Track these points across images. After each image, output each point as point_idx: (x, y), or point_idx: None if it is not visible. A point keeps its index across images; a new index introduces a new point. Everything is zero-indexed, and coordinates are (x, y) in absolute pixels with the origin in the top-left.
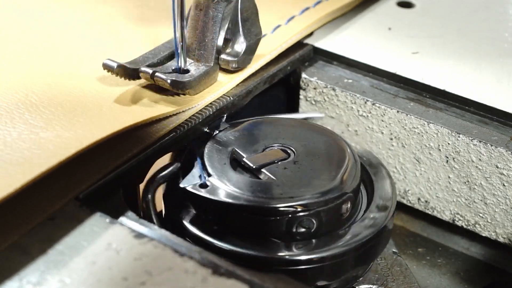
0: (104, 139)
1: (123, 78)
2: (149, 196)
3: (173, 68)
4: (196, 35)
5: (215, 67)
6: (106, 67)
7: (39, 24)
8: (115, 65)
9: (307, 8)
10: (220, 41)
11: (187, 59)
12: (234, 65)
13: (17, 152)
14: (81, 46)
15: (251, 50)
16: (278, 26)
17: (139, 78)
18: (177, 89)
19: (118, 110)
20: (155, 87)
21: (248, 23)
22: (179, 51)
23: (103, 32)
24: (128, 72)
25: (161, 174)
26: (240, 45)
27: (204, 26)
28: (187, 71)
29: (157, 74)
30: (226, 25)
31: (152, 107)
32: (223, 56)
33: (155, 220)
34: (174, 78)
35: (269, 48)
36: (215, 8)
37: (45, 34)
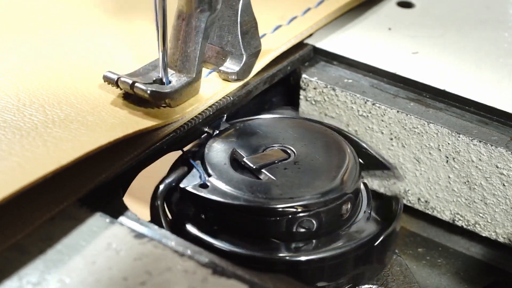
0: (97, 149)
1: (123, 91)
2: (158, 202)
3: (154, 78)
4: (179, 45)
5: (197, 78)
6: (107, 79)
7: (40, 23)
8: (115, 77)
9: (309, 9)
10: (203, 52)
11: (169, 70)
12: (233, 77)
13: (12, 157)
14: (61, 55)
15: (250, 63)
16: (279, 26)
17: None
18: (156, 100)
19: (92, 124)
20: None
21: (248, 36)
22: (160, 62)
23: (108, 33)
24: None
25: (168, 180)
26: (239, 58)
27: (187, 37)
28: (168, 82)
29: (136, 84)
30: (209, 36)
31: (151, 116)
32: (222, 68)
33: (165, 226)
34: (154, 89)
35: (269, 49)
36: (197, 18)
37: (44, 33)
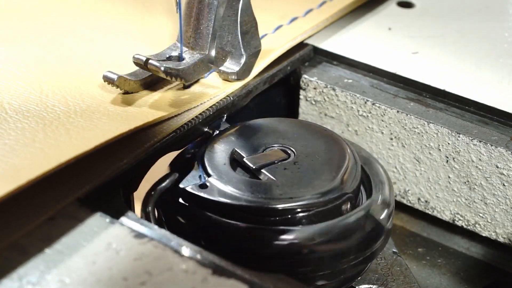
0: (98, 146)
1: (123, 91)
2: (149, 208)
3: (168, 56)
4: (191, 22)
5: (210, 55)
6: (107, 79)
7: (43, 25)
8: (115, 77)
9: (310, 10)
10: (216, 29)
11: (182, 47)
12: (233, 77)
13: (36, 144)
14: (83, 47)
15: (250, 63)
16: (280, 26)
17: (139, 90)
18: (171, 76)
19: (113, 114)
20: (153, 88)
21: (248, 36)
22: (179, 37)
23: (108, 31)
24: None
25: (160, 186)
26: (239, 58)
27: (199, 14)
28: (182, 58)
29: (150, 61)
30: (222, 13)
31: (150, 111)
32: (222, 68)
33: None
34: (168, 65)
35: (270, 49)
36: None
37: (48, 34)
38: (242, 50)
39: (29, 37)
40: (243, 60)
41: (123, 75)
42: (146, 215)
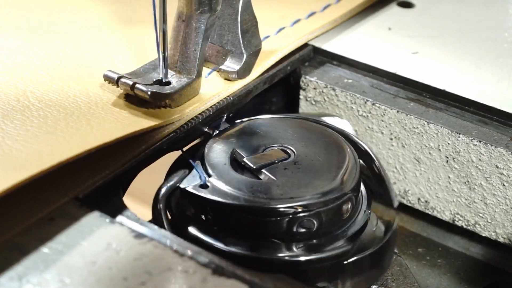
0: (119, 139)
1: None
2: (160, 205)
3: (155, 79)
4: (178, 46)
5: (197, 79)
6: (107, 78)
7: (42, 25)
8: (115, 76)
9: (313, 13)
10: (203, 52)
11: (169, 70)
12: (234, 76)
13: (58, 132)
14: (80, 49)
15: (251, 61)
16: (283, 28)
17: None
18: (157, 101)
19: (113, 117)
20: None
21: (248, 35)
22: (160, 62)
23: (104, 35)
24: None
25: (170, 183)
26: (240, 56)
27: (187, 38)
28: (169, 83)
29: (137, 85)
30: (210, 37)
31: (149, 116)
32: (223, 67)
33: (167, 229)
34: (154, 90)
35: (273, 50)
36: (198, 19)
37: (44, 35)
38: (243, 48)
39: (52, 28)
40: (243, 59)
41: (123, 75)
42: (157, 213)
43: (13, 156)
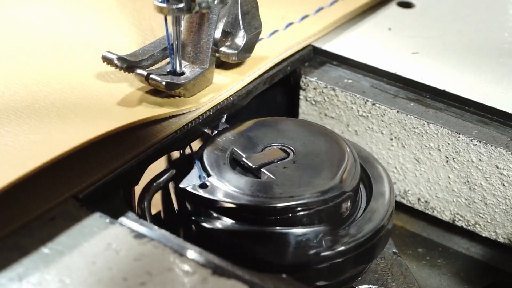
0: (99, 137)
1: (122, 71)
2: (145, 203)
3: (168, 70)
4: (191, 37)
5: (211, 69)
6: (106, 59)
7: (38, 20)
8: (114, 57)
9: (321, 8)
10: (215, 42)
11: (182, 61)
12: (234, 58)
13: (9, 149)
14: (78, 41)
15: (251, 44)
16: (291, 23)
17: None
18: (172, 91)
19: (116, 109)
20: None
21: (248, 17)
22: (173, 53)
23: (101, 26)
24: (128, 64)
25: (157, 181)
26: (240, 39)
27: (199, 28)
28: (182, 73)
29: (151, 76)
30: (222, 27)
31: (152, 108)
32: (222, 49)
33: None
34: (169, 80)
35: (274, 51)
36: (210, 10)
37: (43, 30)
38: (243, 30)
39: (46, 19)
40: (243, 41)
41: (122, 56)
42: (141, 211)
43: (29, 142)
